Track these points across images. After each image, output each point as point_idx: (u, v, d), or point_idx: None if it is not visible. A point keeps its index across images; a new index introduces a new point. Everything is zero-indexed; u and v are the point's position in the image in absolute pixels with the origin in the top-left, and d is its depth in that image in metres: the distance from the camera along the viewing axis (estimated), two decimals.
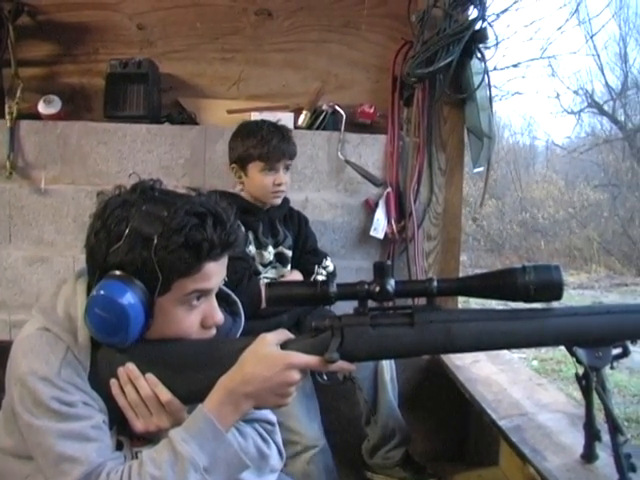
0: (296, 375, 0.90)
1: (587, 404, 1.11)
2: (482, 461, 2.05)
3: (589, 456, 1.20)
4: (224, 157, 2.05)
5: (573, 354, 1.00)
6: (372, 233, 2.29)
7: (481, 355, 2.02)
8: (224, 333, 1.03)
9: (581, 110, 10.34)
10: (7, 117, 2.21)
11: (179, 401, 0.93)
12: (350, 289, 0.95)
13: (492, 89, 2.22)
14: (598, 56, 9.80)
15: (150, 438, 0.96)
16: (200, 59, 2.43)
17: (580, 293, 6.79)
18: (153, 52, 2.38)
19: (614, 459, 1.05)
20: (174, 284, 0.91)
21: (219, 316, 0.97)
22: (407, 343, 0.94)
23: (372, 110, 2.36)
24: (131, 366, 0.93)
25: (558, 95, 10.28)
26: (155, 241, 0.88)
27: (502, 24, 7.67)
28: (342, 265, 2.14)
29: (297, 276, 1.96)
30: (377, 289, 0.94)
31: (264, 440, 1.00)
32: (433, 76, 2.15)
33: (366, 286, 0.94)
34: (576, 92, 10.17)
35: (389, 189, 2.29)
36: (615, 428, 1.05)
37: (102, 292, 0.89)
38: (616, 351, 1.01)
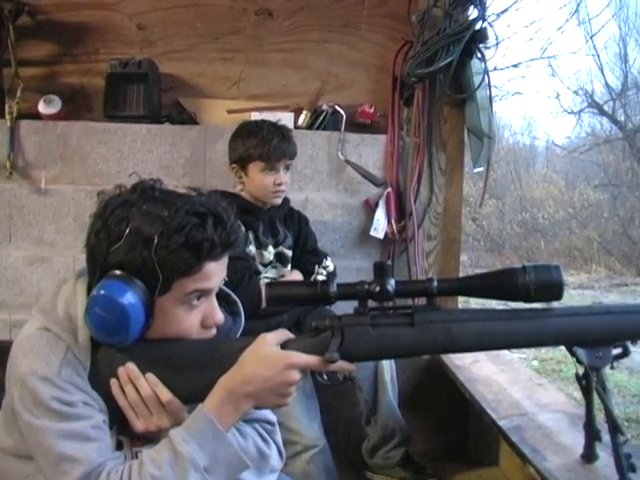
0: (296, 375, 0.90)
1: (587, 404, 1.11)
2: (482, 461, 2.05)
3: (589, 456, 1.20)
4: (224, 157, 2.05)
5: (573, 354, 1.00)
6: (372, 233, 2.29)
7: (481, 355, 2.02)
8: (224, 333, 1.03)
9: (581, 110, 10.35)
10: (7, 117, 2.21)
11: (179, 401, 0.93)
12: (350, 289, 0.95)
13: (492, 89, 2.23)
14: (598, 56, 9.82)
15: (150, 438, 0.96)
16: (200, 59, 2.43)
17: (580, 293, 6.79)
18: (153, 52, 2.38)
19: (614, 459, 1.05)
20: (174, 284, 0.91)
21: (219, 316, 0.97)
22: (407, 343, 0.94)
23: (372, 110, 2.36)
24: (131, 366, 0.93)
25: (558, 95, 10.30)
26: (155, 241, 0.88)
27: (502, 24, 7.69)
28: (342, 265, 2.14)
29: (297, 276, 1.96)
30: (377, 289, 0.94)
31: (264, 440, 1.00)
32: (433, 76, 2.15)
33: (366, 286, 0.94)
34: (576, 92, 10.19)
35: (389, 189, 2.29)
36: (615, 428, 1.05)
37: (102, 292, 0.89)
38: (616, 351, 1.01)
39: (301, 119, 2.35)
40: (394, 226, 2.27)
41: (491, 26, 2.09)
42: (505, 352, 2.07)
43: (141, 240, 0.88)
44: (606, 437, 1.10)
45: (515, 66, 8.53)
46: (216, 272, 0.94)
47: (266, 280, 1.87)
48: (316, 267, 1.97)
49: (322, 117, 2.34)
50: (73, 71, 2.40)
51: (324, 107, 2.36)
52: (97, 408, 0.91)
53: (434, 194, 2.33)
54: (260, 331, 0.94)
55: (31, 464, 0.91)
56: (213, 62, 2.44)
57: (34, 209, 2.26)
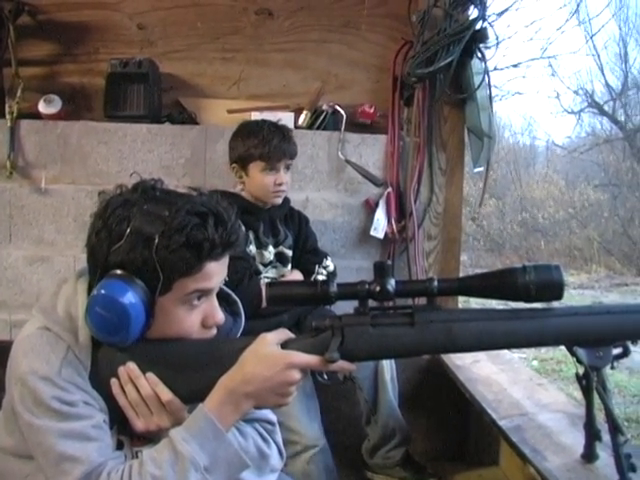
0: (296, 375, 0.90)
1: (587, 404, 1.11)
2: (482, 461, 2.05)
3: (589, 456, 1.20)
4: (224, 157, 2.05)
5: (573, 354, 1.00)
6: (372, 233, 2.29)
7: (481, 355, 2.02)
8: (225, 333, 1.03)
9: (581, 110, 10.35)
10: (7, 117, 2.21)
11: (179, 400, 0.93)
12: (350, 289, 0.95)
13: (492, 89, 2.23)
14: (598, 56, 9.82)
15: (151, 438, 0.96)
16: (200, 59, 2.43)
17: (580, 293, 6.79)
18: (153, 52, 2.38)
19: (614, 459, 1.05)
20: (175, 284, 0.91)
21: (220, 316, 0.97)
22: (407, 343, 0.94)
23: (372, 110, 2.36)
24: (132, 365, 0.93)
25: (558, 95, 10.30)
26: (156, 240, 0.88)
27: (502, 24, 7.69)
28: (342, 265, 2.14)
29: (297, 276, 1.96)
30: (377, 289, 0.94)
31: (264, 440, 1.00)
32: (433, 76, 2.15)
33: (366, 286, 0.94)
34: (576, 92, 10.19)
35: (389, 189, 2.29)
36: (615, 428, 1.05)
37: (103, 291, 0.89)
38: (616, 351, 1.01)
39: (301, 119, 2.35)
40: (394, 226, 2.27)
41: (491, 26, 2.09)
42: (505, 352, 2.07)
43: (142, 240, 0.89)
44: (606, 437, 1.10)
45: (515, 66, 8.54)
46: (217, 272, 0.94)
47: (266, 280, 1.87)
48: (316, 267, 1.97)
49: (322, 117, 2.34)
50: (73, 71, 2.40)
51: (324, 107, 2.36)
52: (97, 408, 0.91)
53: (434, 194, 2.33)
54: (260, 331, 0.94)
55: (31, 464, 0.91)
56: (213, 62, 2.44)
57: (34, 209, 2.26)
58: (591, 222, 9.20)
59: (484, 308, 0.97)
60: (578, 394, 1.21)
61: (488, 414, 1.57)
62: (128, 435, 0.97)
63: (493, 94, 2.24)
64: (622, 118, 9.80)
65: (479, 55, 2.13)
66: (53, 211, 2.27)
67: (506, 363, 1.99)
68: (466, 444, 2.19)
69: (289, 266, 1.98)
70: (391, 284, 0.94)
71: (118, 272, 0.90)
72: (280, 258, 1.96)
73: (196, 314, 0.95)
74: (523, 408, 1.59)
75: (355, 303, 0.96)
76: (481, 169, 2.27)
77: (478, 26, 2.07)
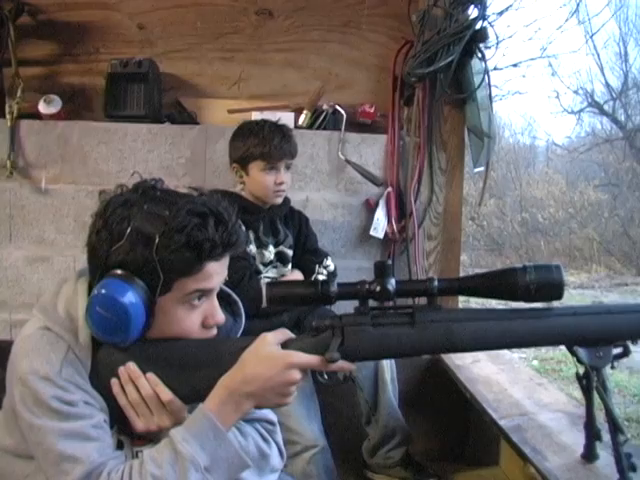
0: (297, 375, 0.90)
1: (588, 404, 1.11)
2: (482, 461, 2.05)
3: (590, 456, 1.20)
4: (225, 157, 2.05)
5: (574, 354, 1.00)
6: (372, 233, 2.29)
7: (481, 355, 2.02)
8: (225, 333, 1.03)
9: (581, 110, 10.35)
10: (7, 117, 2.21)
11: (180, 400, 0.93)
12: (351, 289, 0.95)
13: (492, 89, 2.22)
14: (598, 56, 9.83)
15: (151, 437, 0.95)
16: (201, 59, 2.43)
17: (580, 293, 6.79)
18: (154, 52, 2.38)
19: (615, 459, 1.05)
20: (175, 283, 0.91)
21: (220, 316, 0.97)
22: (408, 343, 0.94)
23: (372, 110, 2.36)
24: (132, 365, 0.93)
25: (558, 95, 10.30)
26: (157, 240, 0.88)
27: (502, 24, 7.68)
28: (343, 265, 2.14)
29: (298, 275, 1.96)
30: (378, 289, 0.94)
31: (265, 440, 1.00)
32: (434, 76, 2.15)
33: (367, 286, 0.94)
34: (576, 92, 10.19)
35: (389, 189, 2.29)
36: (616, 428, 1.05)
37: (103, 291, 0.89)
38: (617, 351, 1.01)
39: (301, 119, 2.35)
40: (394, 226, 2.27)
41: (491, 26, 2.08)
42: (505, 352, 2.07)
43: (142, 239, 0.89)
44: (606, 437, 1.10)
45: (515, 66, 8.53)
46: (217, 272, 0.94)
47: (267, 280, 1.87)
48: (317, 267, 1.97)
49: (322, 117, 2.34)
50: (73, 71, 2.40)
51: (324, 107, 2.36)
52: (98, 407, 0.91)
53: (434, 194, 2.33)
54: (261, 331, 0.94)
55: (32, 464, 0.92)
56: (213, 62, 2.44)
57: (34, 209, 2.26)
58: (591, 222, 9.21)
59: (484, 308, 0.97)
60: (578, 394, 1.21)
61: (488, 414, 1.57)
62: (128, 435, 0.97)
63: (493, 94, 2.24)
64: (622, 118, 9.81)
65: (479, 55, 2.12)
66: (53, 211, 2.26)
67: (506, 363, 1.99)
68: (466, 444, 2.18)
69: (289, 266, 1.98)
70: (391, 284, 0.94)
71: (118, 272, 0.90)
72: (280, 258, 1.96)
73: (196, 314, 0.95)
74: (523, 408, 1.59)
75: (355, 303, 0.96)
76: (481, 169, 2.27)
77: (478, 26, 2.07)
